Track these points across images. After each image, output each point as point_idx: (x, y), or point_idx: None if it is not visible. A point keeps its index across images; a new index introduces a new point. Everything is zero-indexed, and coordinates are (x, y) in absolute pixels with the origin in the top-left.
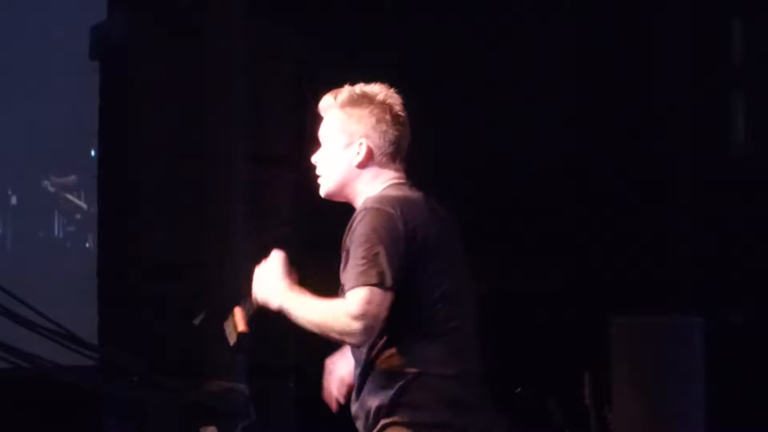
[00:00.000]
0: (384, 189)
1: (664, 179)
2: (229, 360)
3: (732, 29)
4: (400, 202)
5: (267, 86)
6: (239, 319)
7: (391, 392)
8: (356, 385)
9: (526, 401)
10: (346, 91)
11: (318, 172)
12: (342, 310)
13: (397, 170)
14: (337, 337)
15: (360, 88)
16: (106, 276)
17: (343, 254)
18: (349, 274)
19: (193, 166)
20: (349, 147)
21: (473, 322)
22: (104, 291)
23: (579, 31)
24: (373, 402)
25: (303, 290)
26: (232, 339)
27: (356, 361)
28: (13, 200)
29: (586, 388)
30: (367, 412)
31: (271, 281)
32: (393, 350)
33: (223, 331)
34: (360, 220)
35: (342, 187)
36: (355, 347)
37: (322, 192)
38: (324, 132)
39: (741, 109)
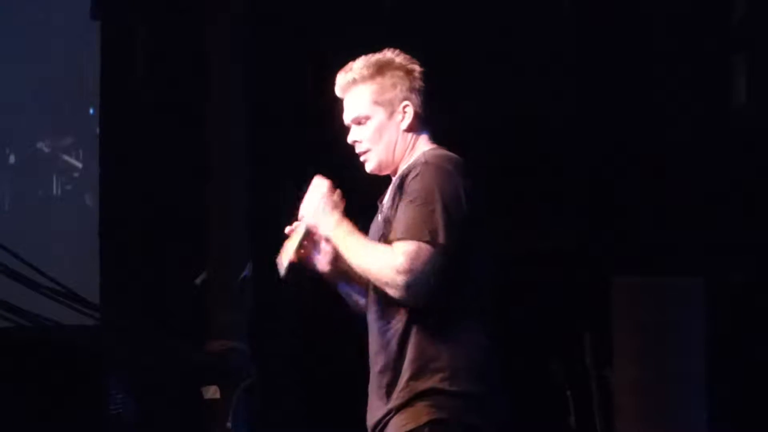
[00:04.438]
0: (432, 149)
1: (667, 139)
2: (230, 320)
3: None
4: (456, 163)
5: (269, 46)
6: (289, 250)
7: (436, 362)
8: (385, 352)
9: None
10: (363, 64)
11: (361, 149)
12: (389, 262)
13: (434, 133)
14: (381, 286)
15: (375, 57)
16: (107, 236)
17: (388, 207)
18: (399, 224)
19: (195, 124)
20: (393, 115)
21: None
22: (106, 251)
23: None
24: (410, 370)
25: (353, 226)
26: (282, 270)
27: (381, 329)
28: (12, 159)
29: (587, 349)
30: (395, 379)
31: (322, 210)
32: (439, 315)
33: (276, 265)
34: (418, 174)
35: (393, 157)
36: (402, 303)
37: (371, 167)
38: (356, 110)
39: (743, 70)
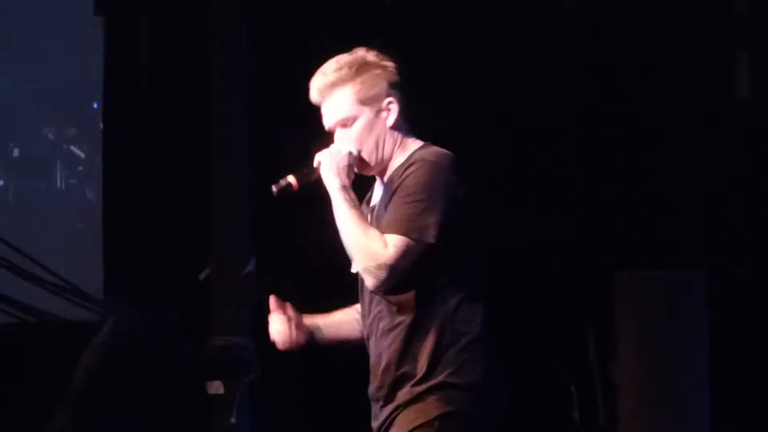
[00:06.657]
0: (425, 147)
1: (667, 132)
2: (234, 315)
3: None
4: (451, 160)
5: (269, 44)
6: (293, 179)
7: (443, 357)
8: (390, 351)
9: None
10: (339, 65)
11: None
12: (378, 252)
13: (415, 130)
14: (359, 266)
15: (348, 57)
16: (111, 231)
17: (381, 207)
18: (390, 217)
19: (198, 119)
20: (379, 113)
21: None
22: (109, 246)
23: None
24: (417, 366)
25: (356, 200)
26: (278, 185)
27: (385, 330)
28: (15, 152)
29: (590, 343)
30: (402, 378)
31: (338, 167)
32: (445, 310)
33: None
34: (414, 171)
35: (382, 156)
36: (378, 293)
37: (360, 168)
38: (340, 112)
39: (746, 66)
